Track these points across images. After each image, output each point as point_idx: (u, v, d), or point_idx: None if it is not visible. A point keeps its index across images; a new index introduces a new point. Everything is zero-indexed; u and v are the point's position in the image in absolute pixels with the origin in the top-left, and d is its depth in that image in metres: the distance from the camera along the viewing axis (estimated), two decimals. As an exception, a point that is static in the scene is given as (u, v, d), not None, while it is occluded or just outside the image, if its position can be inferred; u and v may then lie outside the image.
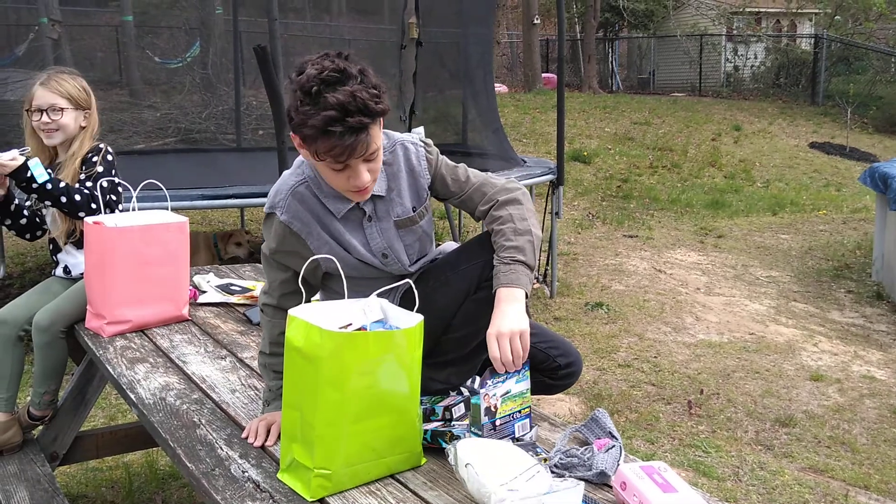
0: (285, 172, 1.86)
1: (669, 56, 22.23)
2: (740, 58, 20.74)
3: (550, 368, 2.02)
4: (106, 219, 2.48)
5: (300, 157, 1.86)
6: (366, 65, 1.64)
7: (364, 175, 1.68)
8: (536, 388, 2.05)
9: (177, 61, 11.76)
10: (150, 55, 11.76)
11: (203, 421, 1.89)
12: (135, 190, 2.60)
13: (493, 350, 1.64)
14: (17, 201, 2.62)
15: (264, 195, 4.95)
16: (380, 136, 1.67)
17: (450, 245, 2.04)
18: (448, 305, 1.82)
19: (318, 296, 2.05)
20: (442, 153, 1.91)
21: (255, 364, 2.24)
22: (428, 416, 1.76)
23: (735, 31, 21.41)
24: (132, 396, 2.05)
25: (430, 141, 1.90)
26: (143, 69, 11.85)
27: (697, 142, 13.01)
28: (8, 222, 2.59)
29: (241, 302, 2.85)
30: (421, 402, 1.70)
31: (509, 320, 1.64)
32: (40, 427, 2.66)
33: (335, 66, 1.58)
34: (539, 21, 19.04)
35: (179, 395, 2.04)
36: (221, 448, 1.75)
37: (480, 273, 1.79)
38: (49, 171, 2.50)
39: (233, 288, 2.95)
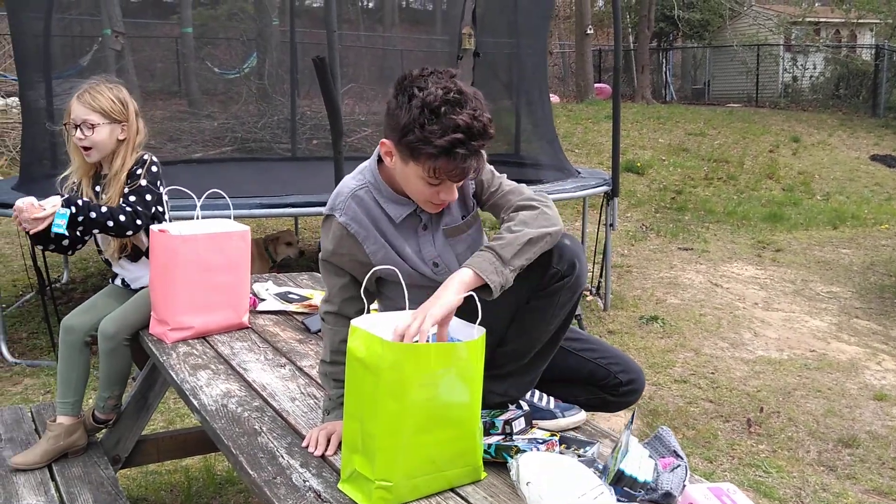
0: (346, 177, 1.87)
1: (725, 66, 21.88)
2: (799, 68, 20.31)
3: (611, 385, 1.99)
4: (171, 227, 2.52)
5: (364, 164, 1.87)
6: (476, 88, 1.66)
7: (455, 192, 1.72)
8: (596, 405, 2.03)
9: (234, 72, 11.98)
10: (208, 66, 12.01)
11: (264, 429, 1.91)
12: (199, 198, 2.65)
13: (403, 323, 1.56)
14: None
15: (320, 204, 5.00)
16: None
17: None
18: (501, 317, 1.80)
19: (374, 304, 2.05)
20: (494, 163, 1.90)
21: (313, 373, 2.26)
22: (487, 430, 1.75)
23: (793, 41, 20.98)
24: (195, 402, 2.08)
25: None
26: (202, 79, 12.11)
27: (754, 153, 12.76)
28: (52, 247, 2.56)
29: (299, 310, 2.87)
30: (480, 416, 1.69)
31: (436, 301, 1.57)
32: (104, 430, 2.72)
33: (457, 87, 1.61)
34: (592, 31, 18.91)
35: (241, 403, 2.06)
36: (283, 456, 1.76)
37: (531, 285, 1.77)
38: (81, 199, 2.45)
39: (291, 296, 2.98)
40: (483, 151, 1.66)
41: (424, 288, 1.80)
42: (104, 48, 9.07)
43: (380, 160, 1.81)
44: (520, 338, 1.84)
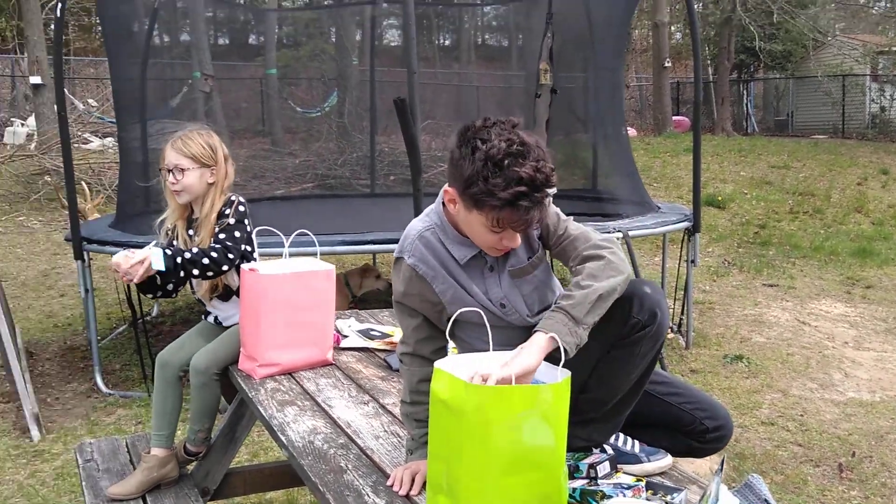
0: (414, 220, 1.92)
1: (809, 97, 21.31)
2: (887, 98, 19.62)
3: (697, 431, 1.95)
4: (260, 266, 2.61)
5: (430, 206, 1.91)
6: (538, 138, 1.69)
7: (518, 239, 1.74)
8: (681, 451, 1.99)
9: (316, 110, 12.32)
10: (291, 105, 12.39)
11: (350, 466, 1.94)
12: (284, 236, 2.73)
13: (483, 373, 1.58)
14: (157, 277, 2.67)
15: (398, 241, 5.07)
16: None
17: None
18: (582, 366, 1.79)
19: (452, 344, 2.07)
20: (572, 199, 1.92)
21: (396, 410, 2.29)
22: (572, 473, 1.74)
23: (880, 71, 20.31)
24: (283, 438, 2.13)
25: None
26: (284, 119, 12.50)
27: (841, 186, 12.35)
28: (159, 294, 2.70)
29: (381, 347, 2.92)
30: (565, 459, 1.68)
31: (513, 360, 1.59)
32: (194, 463, 2.80)
33: (519, 138, 1.64)
34: (670, 64, 18.74)
35: (327, 440, 2.11)
36: (368, 495, 1.79)
37: (612, 335, 1.76)
38: (171, 248, 2.60)
39: (373, 333, 3.04)
40: (546, 201, 1.68)
41: (495, 327, 1.82)
42: (193, 90, 9.47)
43: (444, 202, 1.84)
44: (601, 387, 1.83)
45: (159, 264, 2.50)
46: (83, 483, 2.72)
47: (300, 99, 12.63)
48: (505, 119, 1.69)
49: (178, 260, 2.55)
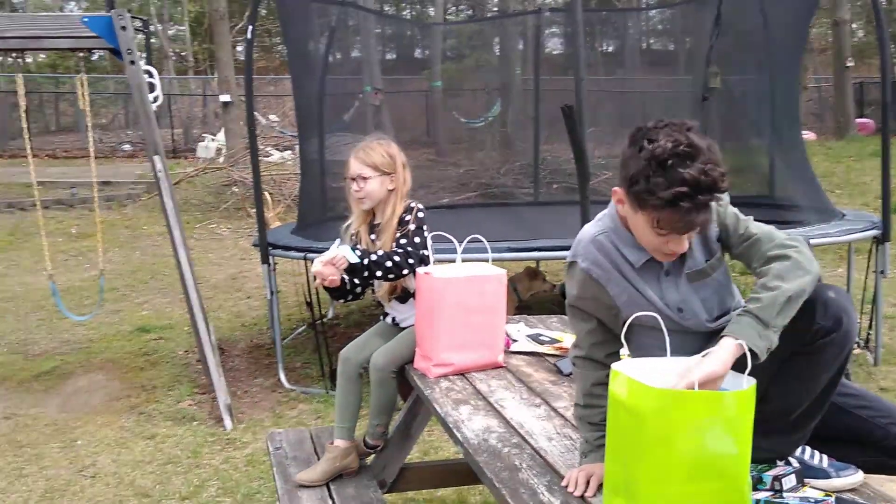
0: (587, 224, 1.94)
1: None
2: None
3: (892, 447, 1.85)
4: (435, 269, 2.73)
5: (604, 211, 1.93)
6: (712, 141, 1.67)
7: (685, 243, 1.73)
8: (873, 468, 1.89)
9: (479, 121, 12.53)
10: (455, 116, 12.68)
11: (524, 465, 1.99)
12: (456, 242, 2.84)
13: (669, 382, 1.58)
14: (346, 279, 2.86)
15: (565, 248, 5.07)
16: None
17: None
18: (762, 375, 1.74)
19: (626, 349, 2.07)
20: (748, 206, 1.87)
21: (567, 414, 2.32)
22: (755, 485, 1.70)
23: None
24: (458, 435, 2.22)
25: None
26: (449, 129, 12.81)
27: None
28: (349, 297, 2.91)
29: (551, 352, 2.95)
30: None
31: (699, 367, 1.56)
32: (372, 456, 2.96)
33: (688, 140, 1.63)
34: (852, 63, 17.51)
35: (500, 438, 2.17)
36: (543, 493, 1.83)
37: (794, 342, 1.70)
38: (360, 248, 2.80)
39: (542, 338, 3.08)
40: (713, 205, 1.65)
41: (672, 332, 1.80)
42: (364, 104, 9.92)
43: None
44: (783, 396, 1.77)
45: (353, 258, 2.72)
46: (274, 469, 2.93)
47: (464, 110, 12.90)
48: (679, 121, 1.68)
49: (365, 261, 2.73)
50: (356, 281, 2.83)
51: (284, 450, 3.06)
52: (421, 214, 2.91)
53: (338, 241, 2.87)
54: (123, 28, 4.60)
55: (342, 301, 2.93)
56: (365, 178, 2.87)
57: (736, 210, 1.86)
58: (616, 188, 1.77)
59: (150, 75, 4.76)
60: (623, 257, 1.85)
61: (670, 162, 1.61)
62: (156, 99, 4.79)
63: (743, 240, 1.81)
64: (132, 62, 4.61)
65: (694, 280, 1.84)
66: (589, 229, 1.92)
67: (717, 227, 1.84)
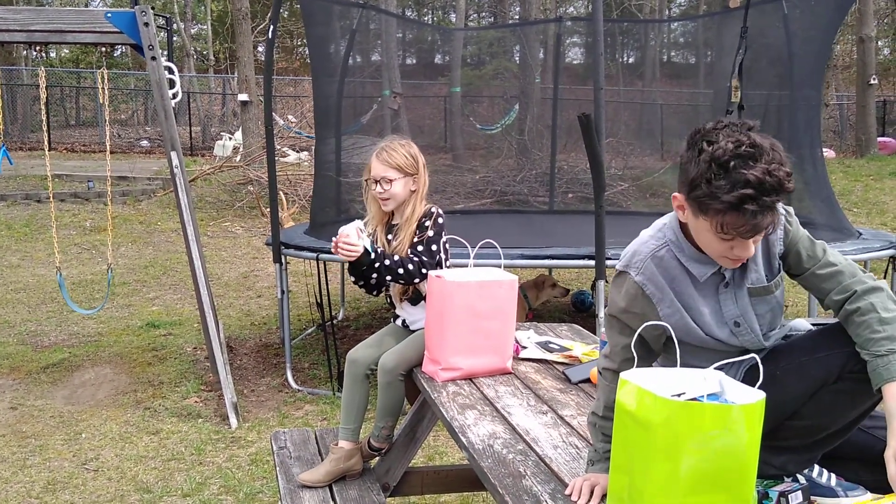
0: (644, 232, 1.86)
1: None
2: None
3: None
4: (446, 273, 2.71)
5: (662, 220, 1.85)
6: (774, 140, 1.60)
7: (751, 248, 1.65)
8: (885, 489, 1.85)
9: (495, 127, 12.53)
10: (472, 122, 12.69)
11: (528, 472, 1.97)
12: (469, 247, 2.82)
13: (893, 472, 1.49)
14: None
15: (579, 256, 5.03)
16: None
17: (801, 323, 1.91)
18: (800, 391, 1.69)
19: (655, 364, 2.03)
20: None
21: (574, 423, 2.29)
22: (761, 501, 1.67)
23: None
24: (463, 440, 2.19)
25: (791, 210, 1.81)
26: (466, 135, 12.82)
27: None
28: (361, 283, 2.88)
29: (560, 360, 2.93)
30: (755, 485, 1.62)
31: None
32: (377, 459, 2.94)
33: (750, 140, 1.57)
34: (876, 81, 17.40)
35: (506, 445, 2.15)
36: (546, 501, 1.80)
37: (844, 364, 1.65)
38: (379, 248, 2.80)
39: (551, 346, 3.05)
40: (780, 207, 1.59)
41: (716, 352, 1.75)
42: (383, 107, 9.94)
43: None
44: (816, 416, 1.71)
45: (367, 243, 2.73)
46: (277, 468, 2.92)
47: (481, 116, 12.92)
48: (740, 121, 1.62)
49: (377, 264, 2.74)
50: (372, 276, 2.81)
51: (288, 449, 3.04)
52: (441, 221, 2.89)
53: (359, 222, 2.83)
54: (146, 24, 4.63)
55: (361, 283, 2.87)
56: (390, 181, 2.86)
57: (806, 232, 1.80)
58: (676, 194, 1.70)
59: (171, 72, 4.78)
60: (686, 271, 1.78)
61: (732, 163, 1.55)
62: (175, 95, 4.81)
63: (819, 265, 1.75)
64: (153, 58, 4.64)
65: (755, 295, 1.78)
66: (648, 241, 1.83)
67: (784, 246, 1.78)
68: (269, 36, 5.28)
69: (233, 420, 4.37)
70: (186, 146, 18.46)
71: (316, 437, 3.16)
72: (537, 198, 10.63)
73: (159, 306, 7.16)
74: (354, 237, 2.72)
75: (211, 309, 4.74)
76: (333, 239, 2.76)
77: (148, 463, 3.91)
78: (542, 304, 6.15)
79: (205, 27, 29.11)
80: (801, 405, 1.70)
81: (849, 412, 1.70)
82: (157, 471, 3.82)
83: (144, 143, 19.80)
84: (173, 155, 4.73)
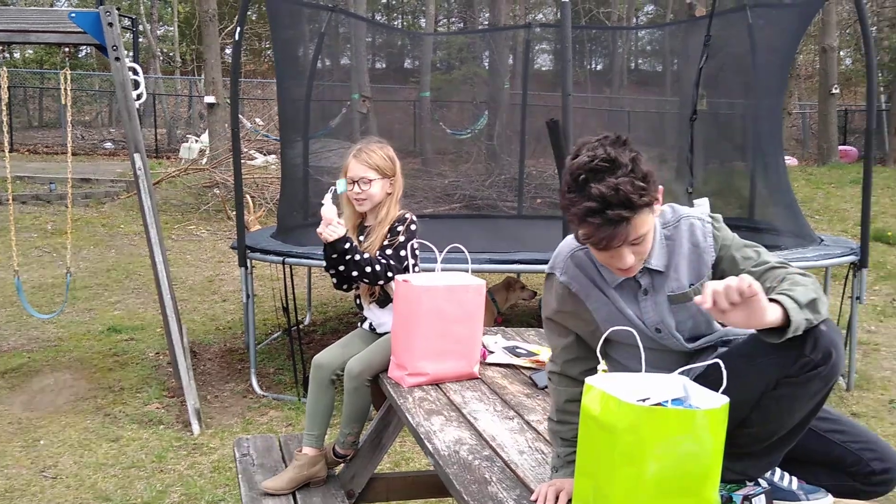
0: (568, 236, 1.91)
1: None
2: None
3: (863, 473, 1.83)
4: (414, 277, 2.69)
5: None
6: (640, 152, 1.64)
7: (627, 258, 1.69)
8: (844, 493, 1.87)
9: (465, 132, 12.54)
10: (442, 127, 12.69)
11: (494, 478, 1.96)
12: (438, 252, 2.81)
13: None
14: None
15: (547, 262, 5.05)
16: (647, 222, 1.66)
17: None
18: (745, 399, 1.70)
19: (603, 365, 2.05)
20: (727, 227, 1.84)
21: (541, 427, 2.29)
22: (725, 505, 1.68)
23: None
24: (429, 446, 2.18)
25: (719, 217, 1.85)
26: (435, 140, 12.83)
27: None
28: (332, 271, 2.82)
29: (527, 365, 2.92)
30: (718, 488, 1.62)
31: (748, 316, 1.48)
32: (341, 465, 2.91)
33: (606, 154, 1.60)
34: (838, 90, 17.73)
35: (472, 451, 2.13)
36: (512, 508, 1.80)
37: (781, 369, 1.67)
38: (352, 242, 2.78)
39: (519, 351, 3.05)
40: (633, 218, 1.60)
41: (649, 349, 1.78)
42: (352, 111, 9.90)
43: None
44: (763, 423, 1.74)
45: (341, 232, 2.72)
46: (239, 476, 2.87)
47: (451, 121, 12.92)
48: (615, 136, 1.66)
49: (349, 256, 2.73)
50: (341, 266, 2.77)
51: (251, 456, 3.00)
52: (413, 227, 2.88)
53: (329, 195, 2.81)
54: (110, 24, 4.55)
55: (332, 271, 2.82)
56: (369, 181, 2.83)
57: (737, 237, 1.82)
58: None
59: (135, 73, 4.71)
60: (600, 274, 1.83)
61: (583, 177, 1.60)
62: (139, 96, 4.74)
63: (754, 265, 1.76)
64: (117, 59, 4.56)
65: (675, 302, 1.81)
66: (570, 242, 1.88)
67: (716, 253, 1.80)
68: (237, 38, 5.23)
69: (195, 426, 4.31)
70: (152, 148, 18.22)
71: (280, 444, 3.12)
72: (506, 203, 10.66)
73: (121, 310, 7.03)
74: (335, 217, 2.72)
75: (174, 313, 4.67)
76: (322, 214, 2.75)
77: (107, 470, 3.83)
78: (510, 308, 6.16)
79: (171, 29, 28.78)
80: (748, 412, 1.72)
81: (794, 415, 1.71)
82: (116, 478, 3.74)
83: (108, 144, 19.50)
84: (137, 157, 4.66)
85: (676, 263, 1.81)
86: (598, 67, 14.17)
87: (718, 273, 1.82)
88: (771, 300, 1.53)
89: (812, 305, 1.59)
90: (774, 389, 1.69)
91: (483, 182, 11.38)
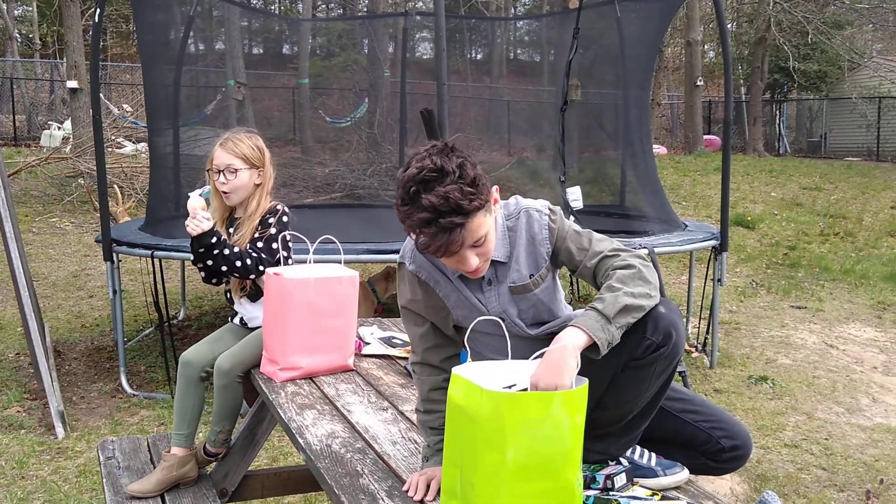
0: None
1: (843, 118, 21.10)
2: (924, 121, 19.38)
3: (714, 451, 1.93)
4: (285, 270, 2.64)
5: None
6: (468, 156, 1.68)
7: (471, 260, 1.73)
8: (697, 470, 1.98)
9: (345, 120, 12.40)
10: (321, 115, 12.50)
11: (366, 471, 1.95)
12: (311, 243, 2.76)
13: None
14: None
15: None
16: (484, 224, 1.70)
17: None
18: (597, 384, 1.76)
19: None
20: (599, 215, 1.91)
21: (414, 418, 2.29)
22: (588, 484, 1.74)
23: (918, 93, 20.06)
24: (301, 441, 2.15)
25: (557, 209, 1.90)
26: (315, 128, 12.61)
27: (875, 209, 12.18)
28: (210, 262, 2.70)
29: (403, 355, 2.93)
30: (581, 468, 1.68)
31: (550, 373, 1.56)
32: (213, 464, 2.83)
33: (433, 164, 1.63)
34: (702, 83, 18.66)
35: (344, 444, 2.12)
36: (383, 499, 1.80)
37: (627, 354, 1.75)
38: (221, 235, 2.69)
39: (394, 341, 3.05)
40: (467, 223, 1.65)
41: (496, 336, 1.83)
42: (227, 98, 9.60)
43: None
44: (616, 404, 1.82)
45: (207, 226, 2.64)
46: (104, 480, 2.75)
47: (331, 109, 12.75)
48: (443, 145, 1.69)
49: (216, 250, 2.64)
50: (208, 260, 2.68)
51: (117, 459, 2.87)
52: (285, 219, 2.79)
53: (198, 191, 2.71)
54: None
55: (200, 264, 2.72)
56: (235, 171, 2.74)
57: (574, 227, 1.88)
58: None
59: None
60: (443, 267, 1.86)
61: (413, 189, 1.63)
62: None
63: (588, 257, 1.82)
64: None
65: (516, 293, 1.87)
66: None
67: (551, 246, 1.85)
68: (97, 20, 4.96)
69: (59, 430, 4.08)
70: (10, 136, 17.09)
71: (148, 445, 3.00)
72: (388, 192, 10.62)
73: (-23, 310, 6.58)
74: (201, 210, 2.63)
75: (33, 311, 4.40)
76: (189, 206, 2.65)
77: (-40, 481, 3.58)
78: (390, 298, 6.15)
79: (30, 9, 27.01)
80: (602, 396, 1.79)
81: (644, 395, 1.80)
82: (-30, 489, 3.51)
83: (-40, 131, 18.14)
84: (-13, 145, 4.35)
85: (517, 254, 1.85)
86: (479, 57, 14.31)
87: (558, 263, 1.89)
88: (571, 326, 1.63)
89: (631, 304, 1.66)
90: (623, 372, 1.77)
91: (364, 171, 11.29)
